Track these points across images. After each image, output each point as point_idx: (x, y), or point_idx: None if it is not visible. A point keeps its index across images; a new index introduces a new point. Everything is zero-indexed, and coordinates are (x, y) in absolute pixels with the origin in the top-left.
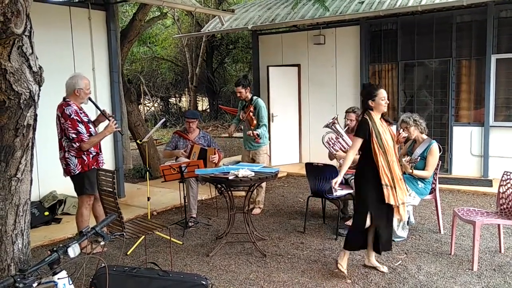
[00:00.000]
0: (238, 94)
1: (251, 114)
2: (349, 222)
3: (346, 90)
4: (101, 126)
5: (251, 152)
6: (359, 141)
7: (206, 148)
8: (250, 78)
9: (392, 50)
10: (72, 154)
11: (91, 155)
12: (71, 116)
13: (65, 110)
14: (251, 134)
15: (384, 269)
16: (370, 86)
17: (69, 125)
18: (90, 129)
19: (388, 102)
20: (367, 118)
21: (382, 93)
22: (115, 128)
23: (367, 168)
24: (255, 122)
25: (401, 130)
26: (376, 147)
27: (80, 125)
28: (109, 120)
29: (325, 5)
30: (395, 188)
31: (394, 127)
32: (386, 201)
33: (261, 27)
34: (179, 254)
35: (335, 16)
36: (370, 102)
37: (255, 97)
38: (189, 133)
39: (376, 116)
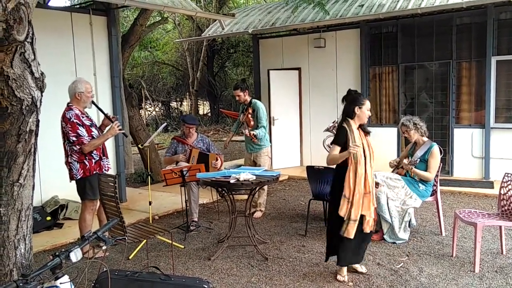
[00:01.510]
0: (237, 98)
1: (249, 116)
2: None
3: None
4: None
5: (252, 154)
6: (337, 149)
7: (206, 153)
8: (250, 82)
9: (392, 52)
10: (74, 158)
11: (93, 160)
12: (71, 120)
13: (66, 114)
14: (248, 134)
15: (363, 269)
16: (356, 93)
17: (69, 129)
18: (93, 133)
19: (370, 114)
20: (346, 126)
21: (369, 104)
22: (118, 130)
23: (341, 175)
24: (252, 123)
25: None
26: (350, 157)
27: (80, 128)
28: (112, 122)
29: (325, 9)
30: (351, 204)
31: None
32: (338, 211)
33: (262, 31)
34: (181, 258)
35: (335, 20)
36: (356, 109)
37: (254, 100)
38: (188, 138)
39: (355, 125)
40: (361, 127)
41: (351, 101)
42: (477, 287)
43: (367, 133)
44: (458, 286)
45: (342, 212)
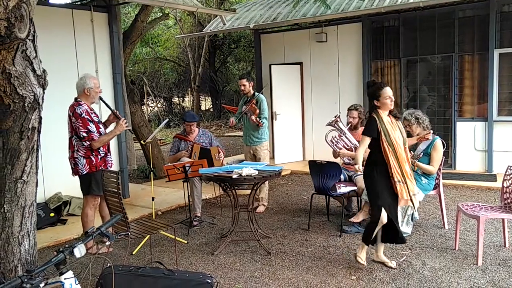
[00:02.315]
0: (242, 87)
1: (253, 105)
2: (354, 219)
3: (348, 87)
4: (112, 127)
5: (251, 147)
6: (367, 140)
7: (208, 147)
8: (252, 77)
9: (394, 46)
10: (80, 154)
11: (99, 156)
12: (82, 115)
13: (76, 109)
14: (254, 120)
15: (393, 264)
16: (373, 85)
17: (80, 124)
18: (100, 129)
19: (393, 99)
20: (375, 116)
21: (386, 92)
22: (126, 127)
23: (378, 164)
24: (257, 111)
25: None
26: (386, 145)
27: (90, 124)
28: (119, 118)
29: (327, 3)
30: (406, 183)
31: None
32: (400, 197)
33: (263, 26)
34: (184, 253)
35: (336, 14)
36: (375, 102)
37: (257, 93)
38: (189, 134)
39: (384, 113)
40: (390, 113)
41: (368, 96)
42: (480, 280)
43: (397, 118)
44: (461, 279)
45: (404, 194)
